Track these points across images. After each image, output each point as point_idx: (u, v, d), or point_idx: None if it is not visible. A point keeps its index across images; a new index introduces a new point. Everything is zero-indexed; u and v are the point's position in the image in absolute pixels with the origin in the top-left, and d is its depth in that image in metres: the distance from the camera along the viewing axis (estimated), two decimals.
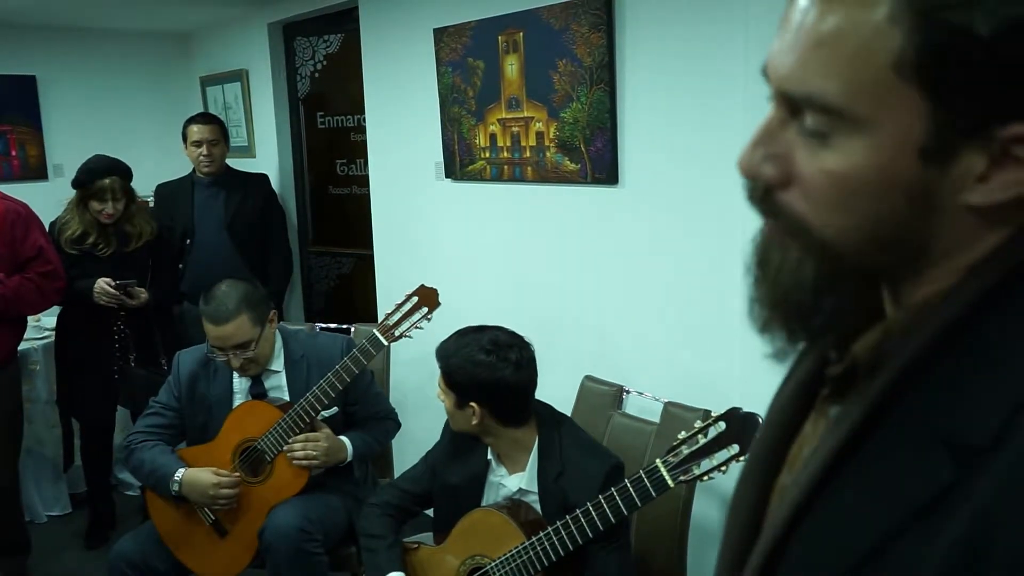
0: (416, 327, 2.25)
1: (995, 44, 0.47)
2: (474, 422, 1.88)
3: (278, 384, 2.40)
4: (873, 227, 0.54)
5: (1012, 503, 0.46)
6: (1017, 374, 0.49)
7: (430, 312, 2.25)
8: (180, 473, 2.27)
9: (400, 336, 2.25)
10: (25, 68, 4.27)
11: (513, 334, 1.93)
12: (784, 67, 0.54)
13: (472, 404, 1.87)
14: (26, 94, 4.27)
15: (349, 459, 2.36)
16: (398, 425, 2.55)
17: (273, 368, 2.40)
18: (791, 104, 0.55)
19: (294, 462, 2.25)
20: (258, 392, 2.39)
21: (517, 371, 1.86)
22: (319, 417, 2.29)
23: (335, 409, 2.37)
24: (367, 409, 2.46)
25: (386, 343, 2.25)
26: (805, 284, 0.57)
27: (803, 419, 0.67)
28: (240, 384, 2.40)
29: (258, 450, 2.30)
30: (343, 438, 2.36)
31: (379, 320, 2.30)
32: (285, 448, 2.26)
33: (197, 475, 2.27)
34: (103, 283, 3.04)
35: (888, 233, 0.54)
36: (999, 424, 0.48)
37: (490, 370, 1.84)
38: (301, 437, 2.25)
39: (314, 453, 2.25)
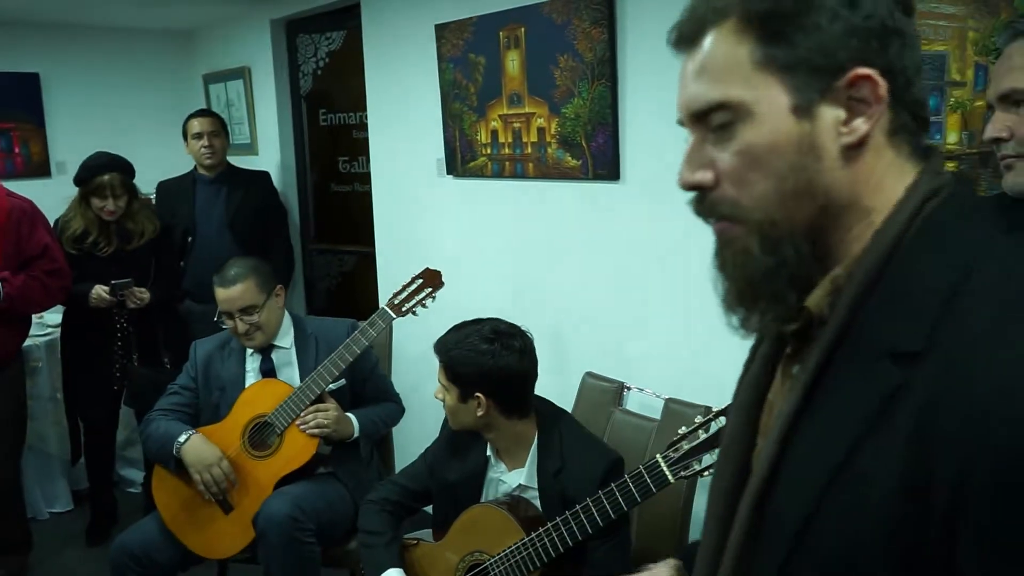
0: (421, 305, 2.39)
1: (796, 18, 0.66)
2: (479, 414, 1.86)
3: (288, 360, 2.49)
4: (782, 182, 0.68)
5: (947, 391, 0.58)
6: (936, 287, 0.62)
7: (435, 291, 2.39)
8: (188, 434, 2.33)
9: (407, 312, 2.38)
10: (28, 66, 4.27)
11: (511, 324, 1.93)
12: (688, 98, 0.72)
13: (478, 395, 1.85)
14: (29, 91, 4.27)
15: (356, 435, 2.42)
16: (402, 409, 2.60)
17: (283, 345, 2.49)
18: (701, 121, 0.71)
19: (305, 431, 2.32)
20: (268, 369, 2.46)
21: (522, 358, 1.86)
22: (327, 388, 2.36)
23: (343, 381, 2.43)
24: (373, 389, 2.54)
25: (394, 316, 2.37)
26: (757, 257, 0.70)
27: (767, 392, 0.78)
28: (252, 363, 2.48)
29: (268, 424, 2.35)
30: (349, 414, 2.41)
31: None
32: (298, 421, 2.32)
33: (205, 444, 2.32)
34: (99, 290, 3.04)
35: (797, 184, 0.68)
36: (927, 329, 0.61)
37: (495, 358, 1.83)
38: (311, 408, 2.33)
39: (325, 421, 2.32)
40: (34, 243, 2.80)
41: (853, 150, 0.68)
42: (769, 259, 0.69)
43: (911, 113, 0.69)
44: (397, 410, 2.59)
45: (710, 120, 0.70)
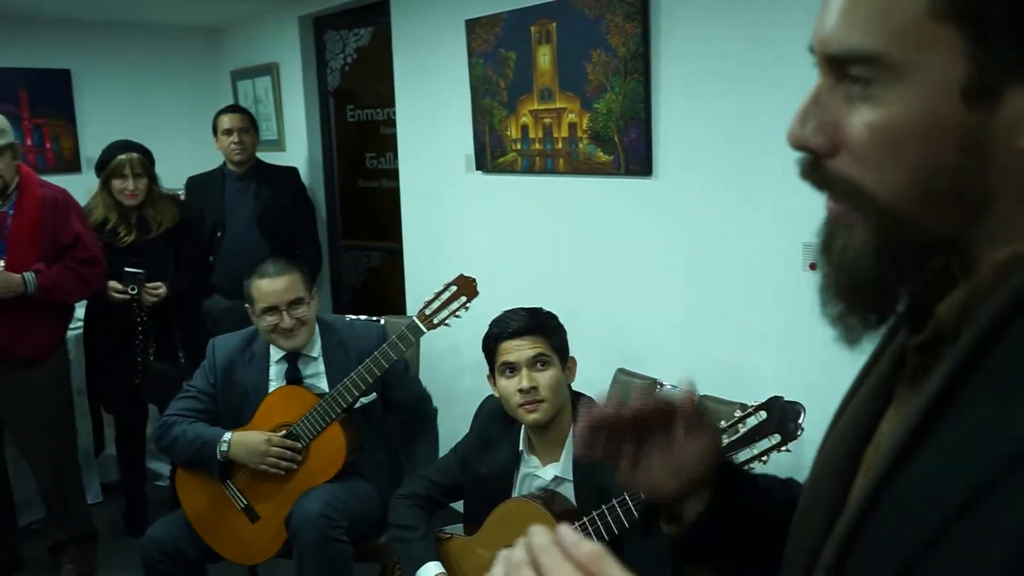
0: (455, 316, 2.26)
1: None
2: (572, 380, 1.95)
3: (316, 371, 2.41)
4: (926, 180, 0.53)
5: None
6: None
7: (468, 301, 2.27)
8: (229, 435, 2.29)
9: (439, 324, 2.26)
10: (60, 62, 4.32)
11: None
12: (826, 31, 0.56)
13: (572, 356, 1.96)
14: (61, 88, 4.32)
15: None
16: (435, 411, 2.56)
17: (311, 354, 2.41)
18: (835, 67, 0.56)
19: None
20: (293, 378, 2.39)
21: None
22: (358, 404, 2.30)
23: (374, 395, 2.38)
24: (404, 394, 2.48)
25: (425, 330, 2.27)
26: (870, 258, 0.56)
27: (879, 422, 0.65)
28: (276, 371, 2.41)
29: (293, 435, 2.30)
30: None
31: (415, 307, 2.32)
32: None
33: (247, 434, 2.29)
34: (112, 284, 3.05)
35: (944, 186, 0.53)
36: None
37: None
38: None
39: None
40: (67, 232, 2.82)
41: None
42: (885, 267, 0.56)
43: None
44: (434, 416, 2.54)
45: (847, 69, 0.55)
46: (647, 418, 0.82)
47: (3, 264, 2.70)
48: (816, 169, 0.58)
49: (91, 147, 4.36)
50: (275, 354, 2.41)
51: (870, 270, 0.56)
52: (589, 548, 0.55)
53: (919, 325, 0.60)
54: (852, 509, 0.58)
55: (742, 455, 1.59)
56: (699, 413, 0.82)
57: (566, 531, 0.57)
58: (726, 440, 1.58)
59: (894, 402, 0.64)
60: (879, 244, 0.56)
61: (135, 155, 3.11)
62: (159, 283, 3.11)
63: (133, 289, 3.04)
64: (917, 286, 0.58)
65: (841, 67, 0.55)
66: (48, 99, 4.29)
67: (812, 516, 0.66)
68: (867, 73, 0.53)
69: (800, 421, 1.52)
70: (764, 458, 1.54)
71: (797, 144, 0.58)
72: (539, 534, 0.58)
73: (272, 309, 2.32)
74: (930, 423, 0.54)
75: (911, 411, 0.56)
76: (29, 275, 2.71)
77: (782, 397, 1.55)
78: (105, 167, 3.13)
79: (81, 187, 3.55)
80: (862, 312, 0.59)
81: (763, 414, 1.55)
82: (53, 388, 2.91)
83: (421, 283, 3.46)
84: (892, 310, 0.59)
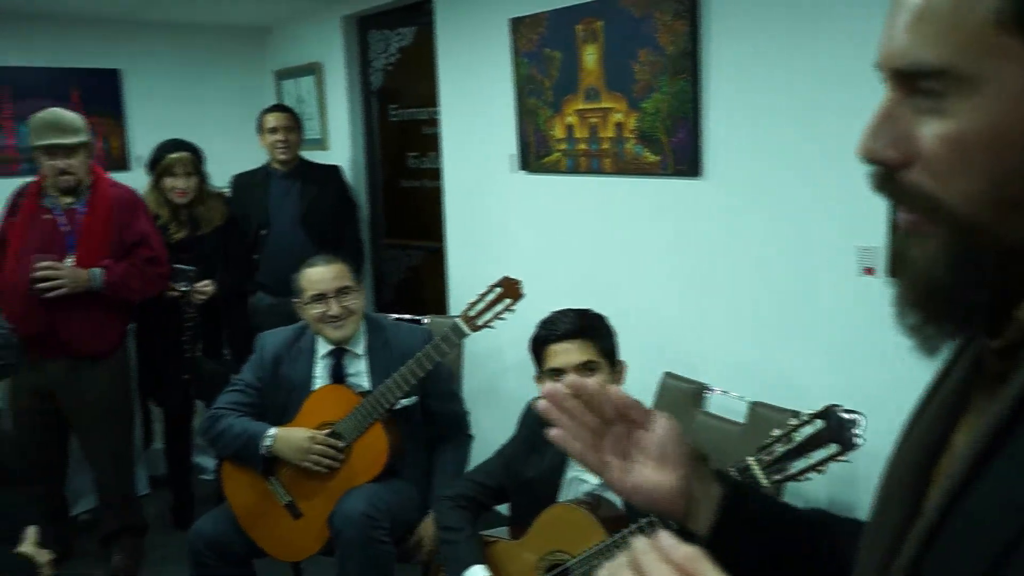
0: (499, 318, 2.24)
1: None
2: (621, 385, 1.92)
3: (360, 369, 2.43)
4: (1000, 188, 0.53)
5: None
6: None
7: (513, 304, 2.24)
8: (274, 430, 2.31)
9: (483, 326, 2.24)
10: (110, 62, 4.40)
11: None
12: (893, 46, 0.56)
13: (620, 360, 1.95)
14: (110, 87, 4.40)
15: None
16: (471, 438, 2.53)
17: (356, 351, 2.43)
18: (904, 81, 0.56)
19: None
20: (338, 376, 2.41)
21: None
22: (398, 405, 2.29)
23: (415, 398, 2.37)
24: (443, 407, 2.46)
25: (469, 331, 2.25)
26: (945, 267, 0.56)
27: (953, 431, 0.64)
28: (321, 367, 2.43)
29: (336, 434, 2.31)
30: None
31: (459, 309, 2.30)
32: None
33: (291, 431, 2.31)
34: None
35: (1017, 191, 0.53)
36: None
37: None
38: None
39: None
40: (134, 231, 2.89)
41: None
42: (962, 275, 0.55)
43: None
44: (467, 442, 2.52)
45: (916, 83, 0.55)
46: (596, 410, 0.86)
47: (73, 260, 2.77)
48: (889, 182, 0.58)
49: (139, 145, 4.43)
50: (321, 350, 2.43)
51: (945, 279, 0.56)
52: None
53: (997, 330, 0.58)
54: (926, 521, 0.57)
55: (798, 464, 1.55)
56: (621, 399, 0.87)
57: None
58: (781, 449, 1.55)
59: (971, 411, 0.63)
60: (955, 253, 0.56)
61: (186, 154, 3.16)
62: (208, 281, 3.15)
63: (184, 285, 3.08)
64: (994, 293, 0.57)
65: (910, 81, 0.56)
66: (98, 98, 4.36)
67: (883, 529, 0.65)
68: (937, 86, 0.54)
69: (858, 430, 1.48)
70: (821, 468, 1.50)
71: (870, 158, 0.58)
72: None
73: (321, 297, 2.35)
74: (1009, 429, 0.53)
75: (989, 418, 0.55)
76: (96, 270, 2.77)
77: (839, 406, 1.51)
78: (157, 165, 3.18)
79: (130, 185, 3.60)
80: (939, 322, 0.59)
81: (819, 423, 1.51)
82: (116, 384, 2.98)
83: (463, 282, 3.46)
84: (970, 319, 0.59)
